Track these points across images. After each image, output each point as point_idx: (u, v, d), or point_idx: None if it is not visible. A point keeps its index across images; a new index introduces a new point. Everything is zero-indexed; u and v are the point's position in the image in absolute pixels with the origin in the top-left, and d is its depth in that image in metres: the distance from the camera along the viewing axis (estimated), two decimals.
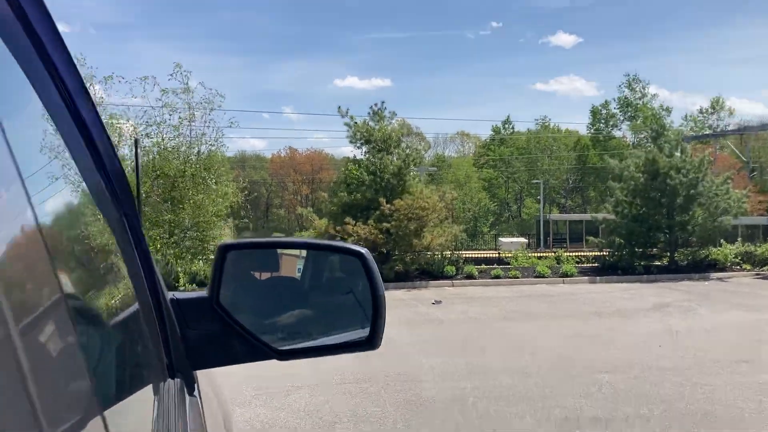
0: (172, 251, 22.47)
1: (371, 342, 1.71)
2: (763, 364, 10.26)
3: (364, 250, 1.75)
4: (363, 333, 1.73)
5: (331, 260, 2.05)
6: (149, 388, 1.30)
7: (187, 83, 23.24)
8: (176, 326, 1.61)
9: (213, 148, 24.11)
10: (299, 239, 2.06)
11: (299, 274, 2.02)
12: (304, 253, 2.04)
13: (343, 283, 2.04)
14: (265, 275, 2.04)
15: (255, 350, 1.68)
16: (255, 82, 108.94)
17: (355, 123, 25.33)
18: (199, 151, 23.87)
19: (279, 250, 2.01)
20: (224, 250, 1.74)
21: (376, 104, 25.72)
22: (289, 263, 2.04)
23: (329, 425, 7.60)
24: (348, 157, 27.66)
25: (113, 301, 1.20)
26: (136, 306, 1.35)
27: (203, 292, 1.73)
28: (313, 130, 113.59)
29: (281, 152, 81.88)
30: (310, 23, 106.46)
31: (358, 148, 25.74)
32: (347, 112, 25.18)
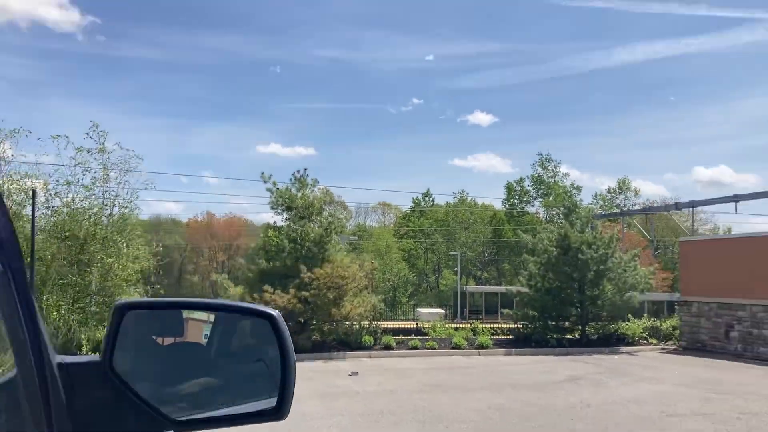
0: (76, 317, 21.26)
1: (279, 411, 1.60)
2: None
3: (274, 312, 1.66)
4: (271, 403, 1.63)
5: (241, 325, 1.95)
6: None
7: (103, 143, 22.58)
8: (61, 393, 1.45)
9: (126, 210, 23.30)
10: (204, 300, 1.92)
11: (206, 340, 1.90)
12: (212, 317, 1.93)
13: (253, 350, 1.93)
14: (168, 341, 1.90)
15: (150, 421, 1.52)
16: (174, 144, 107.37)
17: (278, 189, 25.16)
18: (111, 213, 23.02)
19: (184, 313, 1.89)
20: (121, 309, 1.60)
21: (298, 171, 25.68)
22: (195, 328, 1.92)
23: None
24: (268, 224, 27.29)
25: None
26: (14, 372, 1.21)
27: (96, 356, 1.58)
28: (232, 195, 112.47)
29: (198, 217, 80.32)
30: (234, 89, 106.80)
31: (279, 214, 25.49)
32: (270, 178, 25.06)
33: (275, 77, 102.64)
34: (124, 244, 22.46)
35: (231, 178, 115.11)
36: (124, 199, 23.16)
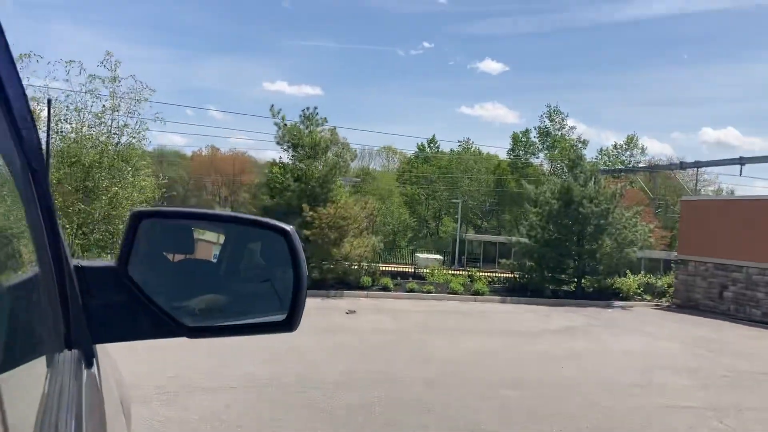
0: (79, 242, 21.48)
1: (289, 323, 1.66)
2: (654, 388, 10.76)
3: (289, 228, 1.70)
4: (282, 316, 1.69)
5: (250, 248, 2.00)
6: (43, 359, 1.21)
7: (115, 72, 22.37)
8: (78, 295, 1.50)
9: (134, 140, 23.26)
10: (220, 212, 1.96)
11: (215, 261, 1.95)
12: (221, 239, 1.98)
13: (262, 271, 1.99)
14: (179, 258, 1.95)
15: (163, 326, 1.58)
16: (180, 76, 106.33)
17: (285, 125, 25.05)
18: (118, 142, 22.97)
19: (195, 232, 1.93)
20: (138, 217, 1.64)
21: (308, 108, 25.48)
22: (205, 249, 1.98)
23: (231, 430, 7.42)
24: (273, 160, 27.27)
25: (10, 261, 1.11)
26: (36, 269, 1.26)
27: (111, 262, 1.63)
28: (237, 130, 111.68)
29: (203, 151, 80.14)
30: (242, 22, 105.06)
31: (285, 150, 25.41)
32: (279, 112, 24.92)
33: (284, 12, 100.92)
34: (130, 174, 22.52)
35: (236, 113, 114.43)
36: (133, 129, 23.12)
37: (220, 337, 1.71)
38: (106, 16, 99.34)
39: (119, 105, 22.61)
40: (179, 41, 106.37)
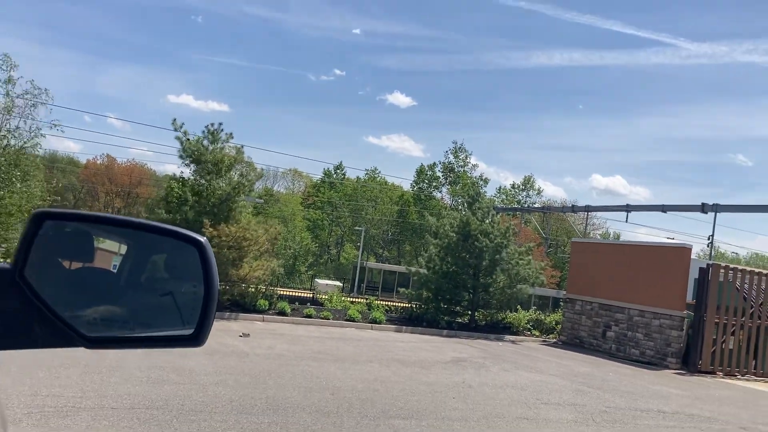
0: None
1: (197, 338, 1.58)
2: (541, 422, 11.10)
3: (203, 239, 1.63)
4: (180, 331, 1.61)
5: (154, 259, 1.91)
6: None
7: (10, 73, 21.09)
8: None
9: (26, 145, 21.93)
10: (128, 218, 1.86)
11: (115, 270, 1.85)
12: (122, 249, 1.88)
13: (164, 283, 1.90)
14: (76, 266, 1.84)
15: (61, 335, 1.47)
16: (81, 80, 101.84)
17: (188, 139, 24.36)
18: (7, 145, 21.60)
19: (96, 240, 1.82)
20: (40, 217, 1.53)
21: (212, 124, 24.95)
22: (104, 258, 1.87)
23: None
24: (173, 174, 26.46)
25: None
26: None
27: (6, 264, 1.51)
28: (137, 140, 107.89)
29: (98, 159, 76.61)
30: (150, 33, 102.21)
31: (187, 166, 24.66)
32: (182, 126, 24.19)
33: (196, 27, 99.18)
34: (19, 180, 21.20)
35: (137, 122, 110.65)
36: (24, 133, 21.84)
37: (122, 349, 1.61)
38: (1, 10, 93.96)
39: (12, 107, 21.35)
40: (80, 44, 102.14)
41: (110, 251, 1.98)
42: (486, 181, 69.55)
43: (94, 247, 1.79)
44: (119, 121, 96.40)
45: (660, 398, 15.54)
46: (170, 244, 1.78)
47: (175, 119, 24.28)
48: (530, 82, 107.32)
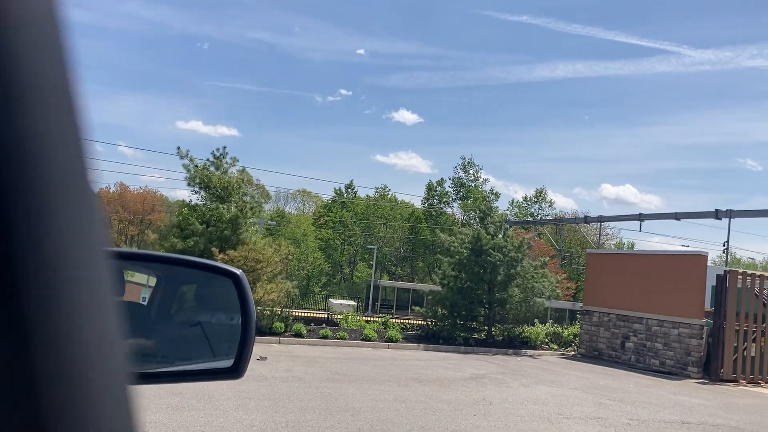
0: None
1: (236, 370, 1.58)
2: None
3: (238, 272, 1.64)
4: (217, 364, 1.61)
5: (182, 291, 1.92)
6: None
7: None
8: None
9: None
10: (167, 254, 1.86)
11: (144, 303, 1.86)
12: (151, 282, 1.89)
13: (193, 314, 1.91)
14: None
15: None
16: (91, 110, 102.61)
17: (195, 166, 24.42)
18: None
19: (127, 274, 1.84)
20: None
21: (218, 149, 25.05)
22: (133, 291, 1.88)
23: None
24: (183, 201, 26.55)
25: None
26: None
27: None
28: (149, 167, 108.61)
29: (110, 187, 77.29)
30: (158, 60, 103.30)
31: (196, 192, 24.80)
32: (187, 153, 24.21)
33: (202, 53, 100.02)
34: None
35: (148, 150, 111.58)
36: None
37: (162, 384, 1.62)
38: None
39: None
40: (89, 75, 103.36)
41: (139, 284, 2.01)
42: (497, 195, 69.42)
43: (124, 281, 1.81)
44: (130, 149, 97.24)
45: (683, 409, 15.34)
46: (201, 276, 1.79)
47: (179, 147, 24.18)
48: (535, 95, 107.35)
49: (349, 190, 72.55)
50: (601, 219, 53.93)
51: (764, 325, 23.22)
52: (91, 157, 0.53)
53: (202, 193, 24.62)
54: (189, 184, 24.57)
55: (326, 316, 29.49)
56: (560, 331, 28.86)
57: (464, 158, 70.24)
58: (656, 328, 24.17)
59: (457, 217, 68.65)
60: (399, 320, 29.51)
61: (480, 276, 26.45)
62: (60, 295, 0.46)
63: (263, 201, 26.84)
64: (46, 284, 0.45)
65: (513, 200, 75.99)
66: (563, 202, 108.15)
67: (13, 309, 0.43)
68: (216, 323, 1.73)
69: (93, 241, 0.51)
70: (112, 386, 0.50)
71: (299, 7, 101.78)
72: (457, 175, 69.91)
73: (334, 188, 73.85)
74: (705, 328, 23.06)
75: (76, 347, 0.47)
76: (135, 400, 0.51)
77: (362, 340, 24.07)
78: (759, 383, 22.52)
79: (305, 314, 28.80)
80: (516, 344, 26.51)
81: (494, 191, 69.92)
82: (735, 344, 22.66)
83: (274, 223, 54.00)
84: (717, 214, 43.43)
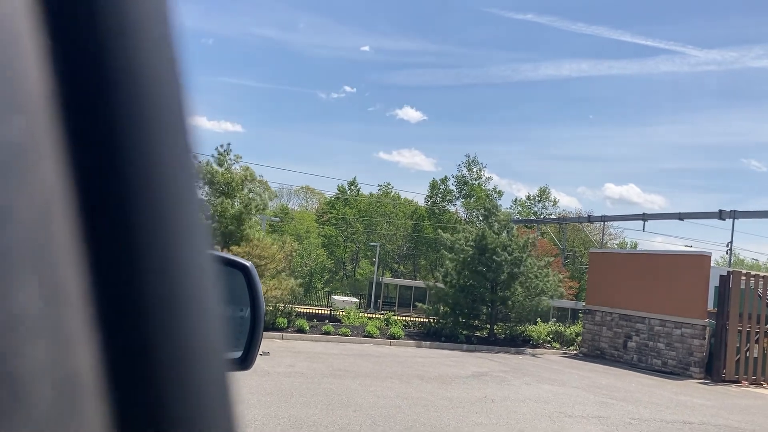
0: None
1: (245, 362, 1.60)
2: None
3: (249, 264, 1.65)
4: (234, 354, 1.62)
5: None
6: None
7: None
8: None
9: None
10: None
11: None
12: None
13: None
14: None
15: None
16: None
17: (198, 162, 24.43)
18: None
19: None
20: None
21: (221, 145, 25.15)
22: None
23: None
24: None
25: None
26: None
27: None
28: None
29: None
30: None
31: (200, 189, 24.80)
32: None
33: (206, 49, 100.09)
34: None
35: None
36: None
37: None
38: None
39: None
40: None
41: None
42: (500, 193, 69.41)
43: None
44: None
45: (685, 409, 15.36)
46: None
47: None
48: (539, 94, 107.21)
49: (352, 187, 72.60)
50: (604, 218, 53.92)
51: (767, 326, 23.20)
52: (196, 157, 0.57)
53: (207, 188, 24.69)
54: None
55: (329, 312, 29.52)
56: (562, 330, 28.85)
57: (468, 156, 70.24)
58: (659, 328, 24.16)
59: (460, 215, 68.64)
60: (401, 317, 29.53)
61: (483, 274, 26.45)
62: (180, 292, 0.50)
63: (268, 198, 26.86)
64: (168, 283, 0.49)
65: (516, 199, 76.06)
66: (566, 201, 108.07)
67: (139, 302, 0.47)
68: (232, 316, 1.75)
69: (203, 239, 0.55)
70: (221, 378, 0.54)
71: (304, 3, 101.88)
72: (460, 173, 69.91)
73: (338, 185, 73.88)
74: (707, 328, 23.05)
75: (194, 341, 0.51)
76: (235, 392, 0.55)
77: (364, 336, 24.11)
78: (761, 384, 22.52)
79: (308, 310, 28.83)
80: (518, 343, 26.52)
81: (497, 189, 69.91)
82: (737, 345, 22.66)
83: (278, 219, 54.11)
84: (721, 215, 43.38)
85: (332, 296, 48.20)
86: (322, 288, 60.28)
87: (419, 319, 29.37)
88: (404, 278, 62.47)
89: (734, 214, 42.95)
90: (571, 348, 27.81)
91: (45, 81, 0.42)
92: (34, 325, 0.39)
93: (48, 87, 0.42)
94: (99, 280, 0.45)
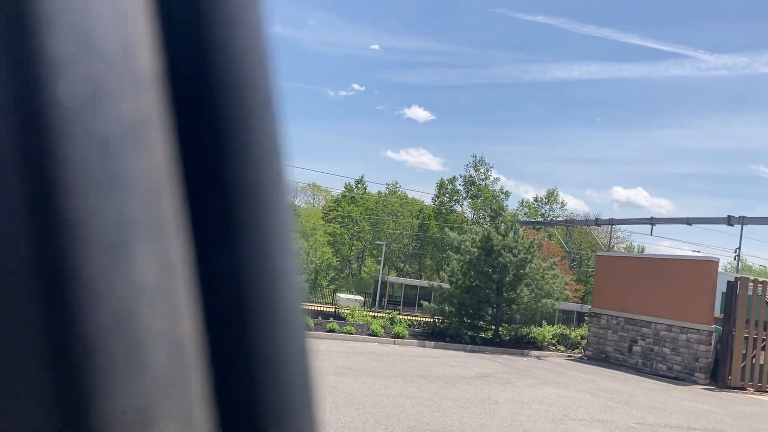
0: None
1: None
2: None
3: None
4: None
5: None
6: None
7: None
8: None
9: None
10: None
11: None
12: None
13: None
14: None
15: None
16: None
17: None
18: None
19: None
20: None
21: None
22: None
23: None
24: None
25: None
26: None
27: None
28: None
29: None
30: None
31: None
32: None
33: None
34: None
35: None
36: None
37: None
38: None
39: None
40: None
41: None
42: (507, 194, 69.28)
43: None
44: None
45: (690, 414, 15.27)
46: None
47: None
48: (548, 96, 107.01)
49: (359, 185, 72.59)
50: (612, 222, 53.66)
51: None
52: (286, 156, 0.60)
53: None
54: None
55: (333, 310, 29.57)
56: (567, 332, 28.76)
57: (475, 156, 70.19)
58: (664, 332, 24.05)
59: (466, 215, 68.56)
60: (406, 317, 29.54)
61: (489, 275, 26.38)
62: (277, 285, 0.55)
63: None
64: (262, 262, 0.53)
65: (523, 200, 75.84)
66: (574, 204, 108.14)
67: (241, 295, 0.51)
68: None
69: (290, 224, 0.58)
70: (303, 345, 0.60)
71: (315, 1, 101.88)
72: (467, 173, 69.81)
73: (345, 183, 73.89)
74: (714, 334, 22.92)
75: (282, 314, 0.56)
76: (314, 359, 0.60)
77: (369, 335, 24.09)
78: (766, 392, 22.37)
79: (312, 308, 28.87)
80: (523, 344, 26.44)
81: (504, 190, 69.79)
82: (744, 352, 22.52)
83: None
84: (729, 221, 43.11)
85: (337, 294, 48.22)
86: (327, 286, 60.32)
87: (424, 319, 29.33)
88: (410, 277, 62.45)
89: (743, 220, 42.66)
90: (576, 351, 27.71)
91: (155, 61, 0.45)
92: (151, 293, 0.42)
93: (158, 67, 0.45)
94: (200, 252, 0.48)
